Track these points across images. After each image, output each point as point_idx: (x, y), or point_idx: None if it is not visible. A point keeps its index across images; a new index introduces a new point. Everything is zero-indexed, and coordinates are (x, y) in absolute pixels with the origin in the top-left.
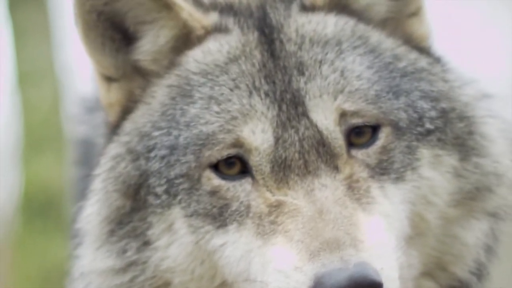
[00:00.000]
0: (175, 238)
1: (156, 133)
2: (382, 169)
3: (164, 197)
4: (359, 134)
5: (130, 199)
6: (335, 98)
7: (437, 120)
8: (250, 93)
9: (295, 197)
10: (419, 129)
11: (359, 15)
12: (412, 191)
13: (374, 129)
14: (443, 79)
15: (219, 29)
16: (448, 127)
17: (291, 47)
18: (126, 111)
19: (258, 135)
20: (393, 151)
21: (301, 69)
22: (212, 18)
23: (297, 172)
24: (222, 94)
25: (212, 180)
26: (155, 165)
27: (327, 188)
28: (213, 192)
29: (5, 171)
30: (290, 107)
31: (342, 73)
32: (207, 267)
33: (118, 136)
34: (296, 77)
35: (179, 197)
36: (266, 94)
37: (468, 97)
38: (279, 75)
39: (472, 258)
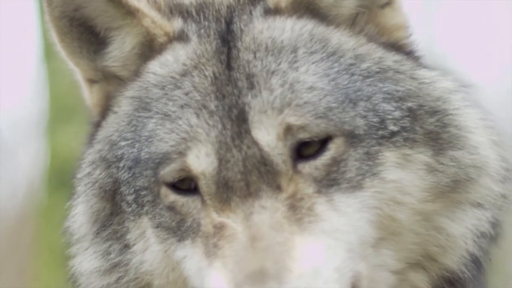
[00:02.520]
0: (148, 245)
1: (123, 143)
2: (331, 181)
3: (134, 206)
4: (308, 145)
5: (109, 203)
6: (281, 113)
7: (403, 120)
8: (199, 110)
9: (235, 220)
10: (381, 132)
11: (324, 15)
12: (374, 196)
13: (324, 140)
14: (411, 76)
15: (179, 38)
16: (417, 125)
17: (245, 56)
18: (104, 115)
19: (202, 159)
20: (346, 161)
21: (251, 81)
22: (176, 25)
23: (239, 194)
24: (174, 111)
25: (169, 196)
26: (124, 175)
27: (266, 211)
28: (171, 207)
29: (31, 141)
30: (235, 124)
31: (291, 85)
32: (178, 274)
33: (94, 142)
34: (245, 90)
35: (145, 208)
36: (214, 112)
37: (440, 91)
38: (230, 88)
39: (461, 249)
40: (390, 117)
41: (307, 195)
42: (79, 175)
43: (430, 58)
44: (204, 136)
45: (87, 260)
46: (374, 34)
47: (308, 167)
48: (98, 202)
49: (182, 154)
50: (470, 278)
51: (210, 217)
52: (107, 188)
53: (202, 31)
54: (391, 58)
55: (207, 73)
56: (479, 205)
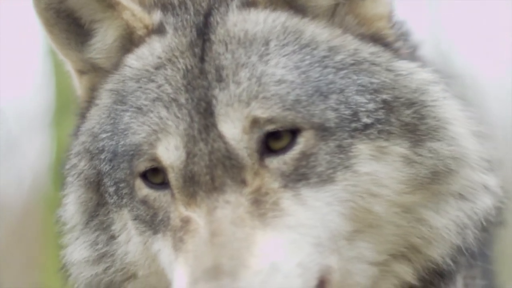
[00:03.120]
0: (130, 236)
1: (103, 135)
2: (300, 176)
3: (115, 197)
4: (277, 138)
5: (95, 194)
6: (247, 106)
7: (377, 113)
8: (170, 103)
9: (199, 215)
10: (354, 125)
11: (302, 6)
12: (346, 190)
13: (294, 133)
14: (388, 68)
15: (157, 30)
16: (393, 117)
17: (218, 49)
18: (88, 106)
19: (171, 152)
20: (316, 155)
21: (220, 74)
22: (155, 17)
23: (204, 188)
24: (146, 104)
25: (142, 189)
26: (105, 167)
27: (229, 206)
28: (144, 201)
29: (36, 133)
30: (203, 117)
31: (259, 78)
32: (158, 265)
33: (78, 134)
34: (214, 83)
35: (124, 200)
36: (183, 104)
37: (417, 83)
38: (200, 81)
39: (444, 241)
40: (363, 109)
41: (273, 189)
42: (67, 166)
43: (436, 55)
44: (173, 129)
45: (77, 250)
46: (353, 25)
47: (276, 162)
48: (84, 192)
49: (152, 145)
50: (457, 270)
51: (178, 210)
52: (92, 180)
53: (180, 23)
54: (367, 50)
55: (179, 66)
56: (461, 196)
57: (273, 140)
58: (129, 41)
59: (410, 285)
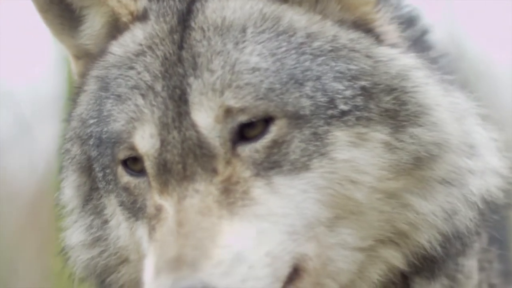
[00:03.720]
0: (120, 221)
1: (90, 121)
2: (272, 164)
3: (103, 183)
4: (251, 127)
5: (87, 178)
6: (221, 95)
7: (355, 99)
8: (146, 91)
9: (170, 203)
10: (330, 112)
11: None
12: (323, 177)
13: (267, 122)
14: (367, 54)
15: (141, 17)
16: (372, 103)
17: (196, 36)
18: (79, 92)
19: (146, 140)
20: (289, 143)
21: (196, 61)
22: (140, 3)
23: (176, 177)
24: (125, 92)
25: (124, 176)
26: (94, 153)
27: (198, 195)
28: (126, 188)
29: (49, 118)
30: (177, 105)
31: (233, 66)
32: (143, 250)
33: (70, 119)
34: (190, 70)
35: (111, 186)
36: (159, 92)
37: (398, 69)
38: (177, 69)
39: (431, 227)
40: (340, 96)
41: (244, 178)
42: (62, 151)
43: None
44: (148, 117)
45: (75, 234)
46: (335, 11)
47: (248, 150)
48: (78, 177)
49: (130, 134)
50: (450, 255)
51: (153, 199)
52: (84, 164)
53: (163, 10)
54: (346, 36)
55: (159, 53)
56: (446, 182)
57: (247, 128)
58: (115, 28)
59: (400, 270)
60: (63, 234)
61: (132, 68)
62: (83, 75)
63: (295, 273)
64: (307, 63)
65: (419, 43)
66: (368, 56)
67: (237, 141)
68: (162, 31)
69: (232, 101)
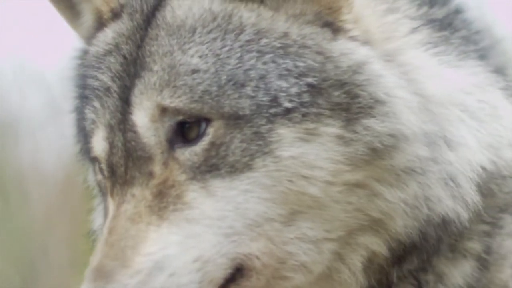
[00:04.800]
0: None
1: (77, 117)
2: (209, 167)
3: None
4: (190, 128)
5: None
6: (158, 94)
7: (301, 96)
8: (104, 92)
9: (112, 208)
10: (273, 110)
11: None
12: (268, 175)
13: (205, 125)
14: (318, 50)
15: (116, 15)
16: (321, 99)
17: (152, 35)
18: None
19: (99, 143)
20: (227, 144)
21: (146, 61)
22: (121, 1)
23: (119, 181)
24: (90, 93)
25: (98, 174)
26: (84, 146)
27: (133, 200)
28: (99, 184)
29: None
30: (124, 107)
31: (174, 67)
32: None
33: (73, 110)
34: (139, 71)
35: (99, 177)
36: (112, 93)
37: (350, 63)
38: (131, 69)
39: (406, 214)
40: (284, 94)
41: (179, 182)
42: (75, 137)
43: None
44: (102, 119)
45: (98, 217)
46: (291, 6)
47: (187, 153)
48: (91, 164)
49: (91, 135)
50: (439, 239)
51: (107, 200)
52: (89, 154)
53: (134, 8)
54: (298, 32)
55: (121, 53)
56: (410, 170)
57: (187, 130)
58: (100, 25)
59: (385, 257)
60: (92, 216)
61: (99, 68)
62: None
63: (239, 273)
64: (252, 62)
65: (447, 22)
66: (318, 52)
67: (176, 143)
68: (127, 29)
69: (167, 101)
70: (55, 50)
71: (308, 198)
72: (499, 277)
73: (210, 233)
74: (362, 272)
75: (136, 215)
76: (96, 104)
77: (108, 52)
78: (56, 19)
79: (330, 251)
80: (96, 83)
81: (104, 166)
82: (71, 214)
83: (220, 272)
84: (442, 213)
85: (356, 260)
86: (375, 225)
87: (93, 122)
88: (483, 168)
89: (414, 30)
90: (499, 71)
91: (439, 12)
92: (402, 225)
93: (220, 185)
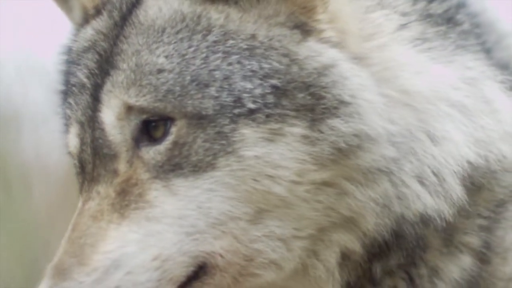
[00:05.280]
0: None
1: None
2: (172, 166)
3: None
4: (156, 128)
5: None
6: (125, 93)
7: (266, 97)
8: (79, 89)
9: (79, 205)
10: (237, 110)
11: None
12: (232, 175)
13: (169, 124)
14: (284, 53)
15: (98, 11)
16: (286, 101)
17: (126, 34)
18: None
19: (72, 140)
20: (190, 144)
21: (117, 59)
22: None
23: (87, 177)
24: (69, 90)
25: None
26: None
27: (98, 197)
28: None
29: None
30: (94, 104)
31: (141, 67)
32: None
33: None
34: (110, 69)
35: None
36: (86, 91)
37: (316, 65)
38: (105, 66)
39: (376, 213)
40: (248, 95)
41: (141, 180)
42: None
43: None
44: (75, 116)
45: None
46: (261, 7)
47: (152, 152)
48: None
49: (67, 132)
50: (409, 240)
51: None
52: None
53: (113, 5)
54: (266, 34)
55: (97, 50)
56: (379, 170)
57: (153, 129)
58: (86, 21)
59: (360, 254)
60: None
61: (78, 65)
62: None
63: (203, 270)
64: (217, 62)
65: (447, 16)
66: (284, 55)
67: (142, 141)
68: (106, 27)
69: (133, 100)
70: (58, 43)
71: (274, 197)
72: (502, 270)
73: (171, 231)
74: (337, 268)
75: (99, 212)
76: (71, 100)
77: (87, 49)
78: (59, 13)
79: (300, 248)
80: (74, 80)
81: (76, 162)
82: (74, 208)
83: (181, 270)
84: (420, 210)
85: (330, 257)
86: (347, 223)
87: (68, 118)
88: (469, 163)
89: (403, 26)
90: (501, 65)
91: (438, 7)
92: (374, 223)
93: (183, 184)
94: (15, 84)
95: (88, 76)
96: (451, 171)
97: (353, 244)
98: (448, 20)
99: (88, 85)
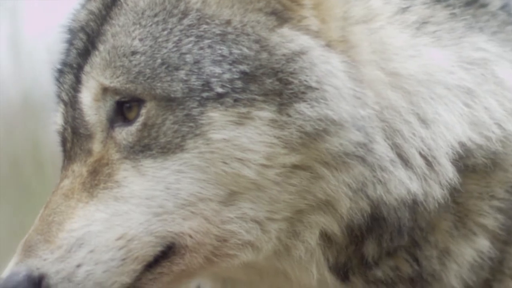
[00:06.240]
0: None
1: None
2: (142, 147)
3: None
4: (130, 109)
5: None
6: (101, 75)
7: (234, 82)
8: (68, 68)
9: (57, 182)
10: (205, 94)
11: None
12: (200, 157)
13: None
14: (255, 39)
15: None
16: (254, 86)
17: (112, 15)
18: None
19: (58, 118)
20: (160, 125)
21: (98, 40)
22: None
23: (67, 156)
24: (59, 68)
25: None
26: None
27: (72, 175)
28: None
29: None
30: (77, 84)
31: (117, 48)
32: None
33: None
34: (91, 50)
35: None
36: (72, 70)
37: (285, 52)
38: (89, 48)
39: (349, 197)
40: (217, 79)
41: (112, 161)
42: None
43: None
44: (61, 95)
45: None
46: None
47: (124, 133)
48: None
49: (55, 110)
50: (393, 223)
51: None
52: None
53: None
54: (240, 19)
55: (87, 30)
56: (347, 155)
57: (127, 110)
58: (86, 1)
59: (342, 236)
60: None
61: (71, 44)
62: None
63: (172, 250)
64: (189, 46)
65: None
66: (255, 41)
67: (116, 122)
68: (97, 7)
69: (107, 81)
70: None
71: (244, 180)
72: None
73: (137, 211)
74: (319, 250)
75: (70, 191)
76: (61, 79)
77: (80, 29)
78: None
79: (277, 230)
80: (66, 59)
81: (60, 140)
82: None
83: (147, 249)
84: (402, 195)
85: (309, 238)
86: (324, 205)
87: (57, 96)
88: (463, 144)
89: (404, 9)
90: None
91: None
92: (349, 207)
93: (151, 165)
94: (45, 69)
95: (76, 56)
96: (441, 153)
97: (332, 226)
98: (468, 2)
99: (75, 65)
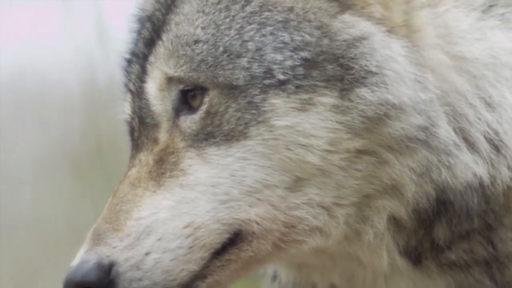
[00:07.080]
0: None
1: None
2: (206, 135)
3: None
4: (193, 98)
5: None
6: (165, 65)
7: (296, 69)
8: (136, 57)
9: (128, 174)
10: (267, 81)
11: None
12: (264, 144)
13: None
14: (317, 25)
15: None
16: (315, 72)
17: (177, 3)
18: None
19: (126, 108)
20: (222, 113)
21: (162, 30)
22: None
23: (134, 145)
24: (128, 58)
25: None
26: None
27: (139, 164)
28: None
29: None
30: (143, 74)
31: (180, 37)
32: None
33: None
34: (156, 40)
35: None
36: (138, 61)
37: (346, 37)
38: (154, 37)
39: (414, 182)
40: (278, 66)
41: (177, 149)
42: None
43: None
44: (129, 85)
45: None
46: None
47: (188, 121)
48: None
49: (123, 100)
50: (461, 207)
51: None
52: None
53: None
54: (302, 6)
55: (153, 19)
56: (410, 139)
57: (191, 98)
58: None
59: (410, 220)
60: None
61: (139, 34)
62: None
63: (239, 237)
64: (251, 33)
65: None
66: (317, 27)
67: (181, 110)
68: None
69: (171, 71)
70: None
71: (309, 166)
72: None
73: (203, 199)
74: (388, 234)
75: (137, 180)
76: (128, 69)
77: (147, 18)
78: None
79: (345, 215)
80: (134, 49)
81: (127, 130)
82: None
83: (214, 237)
84: (468, 179)
85: (378, 223)
86: (390, 190)
87: (125, 86)
88: None
89: None
90: None
91: None
92: (414, 191)
93: (215, 153)
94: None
95: (142, 46)
96: (508, 136)
97: (399, 210)
98: None
99: (141, 55)
